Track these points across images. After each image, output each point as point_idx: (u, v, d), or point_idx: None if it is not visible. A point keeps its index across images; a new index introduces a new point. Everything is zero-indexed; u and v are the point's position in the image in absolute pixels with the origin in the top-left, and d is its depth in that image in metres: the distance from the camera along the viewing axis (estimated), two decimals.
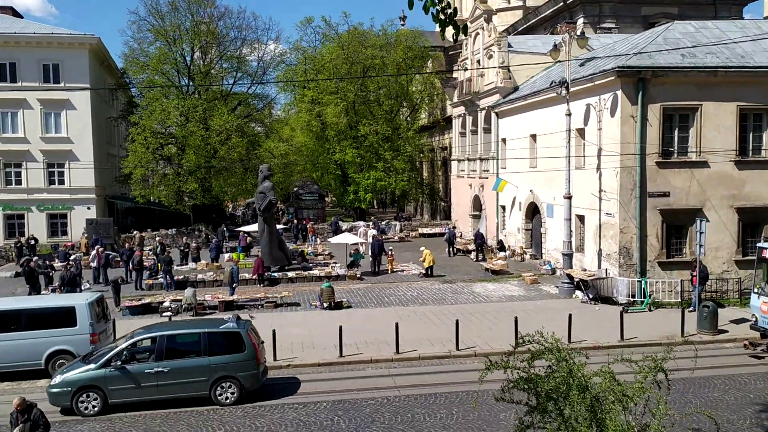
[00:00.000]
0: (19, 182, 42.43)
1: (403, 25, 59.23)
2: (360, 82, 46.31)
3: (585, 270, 25.26)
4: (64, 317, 17.38)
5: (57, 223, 43.25)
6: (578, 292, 24.05)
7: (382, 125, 45.85)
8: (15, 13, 48.57)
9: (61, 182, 42.99)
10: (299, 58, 50.89)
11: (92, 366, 14.71)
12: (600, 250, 24.60)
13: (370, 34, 48.65)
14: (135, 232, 40.20)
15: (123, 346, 14.94)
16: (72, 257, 32.33)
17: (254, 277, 27.97)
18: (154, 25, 45.34)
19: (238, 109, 48.88)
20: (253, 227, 34.71)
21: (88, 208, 42.97)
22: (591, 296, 23.17)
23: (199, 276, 28.77)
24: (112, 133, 50.99)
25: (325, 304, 23.23)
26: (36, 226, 42.14)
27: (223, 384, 14.75)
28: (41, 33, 43.33)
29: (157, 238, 36.53)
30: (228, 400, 14.73)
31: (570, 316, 18.60)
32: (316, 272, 29.43)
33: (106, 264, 30.08)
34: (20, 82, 41.61)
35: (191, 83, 46.50)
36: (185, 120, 43.58)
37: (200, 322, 16.46)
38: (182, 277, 28.38)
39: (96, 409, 14.43)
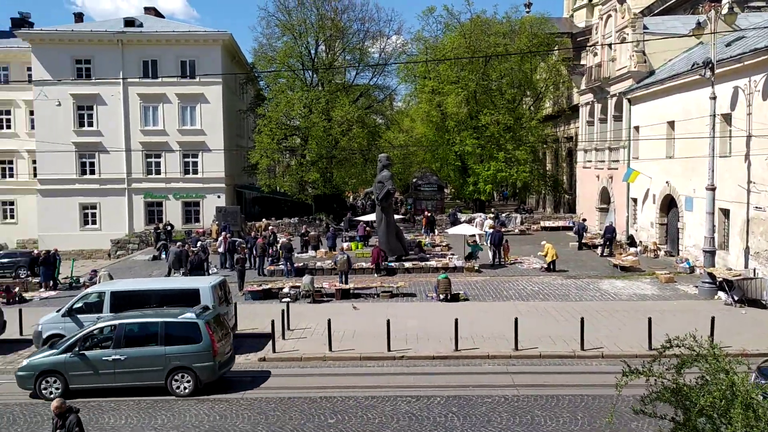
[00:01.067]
0: (158, 172, 45.18)
1: (528, 11, 57.18)
2: (482, 71, 45.15)
3: (730, 269, 22.94)
4: (189, 299, 17.98)
5: (191, 211, 45.70)
6: (721, 293, 21.85)
7: (503, 115, 44.43)
8: (157, 14, 51.82)
9: (195, 172, 45.33)
10: (420, 48, 50.50)
11: (54, 351, 15.02)
12: (747, 247, 22.24)
13: (493, 21, 47.27)
14: (263, 220, 41.65)
15: (82, 333, 15.15)
16: (199, 242, 33.90)
17: (371, 266, 27.92)
18: (281, 20, 46.68)
19: (360, 101, 49.34)
20: (371, 217, 34.77)
21: (219, 197, 45.04)
22: (736, 298, 20.96)
23: (318, 263, 29.16)
24: (241, 125, 53.23)
25: (442, 296, 22.67)
26: (172, 213, 44.76)
27: (178, 375, 14.64)
28: (179, 31, 45.91)
29: (270, 227, 37.41)
30: (183, 391, 14.60)
31: (713, 319, 16.83)
32: (433, 263, 28.93)
33: (232, 250, 31.22)
34: (161, 77, 44.23)
35: (315, 76, 47.49)
36: (308, 111, 44.55)
37: (163, 312, 15.88)
38: (302, 264, 28.89)
39: (57, 393, 14.40)
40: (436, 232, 39.46)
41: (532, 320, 19.38)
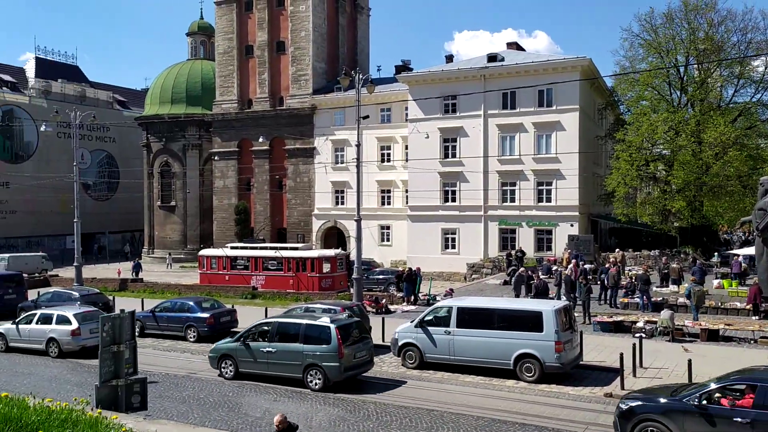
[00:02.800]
0: (513, 200, 46.19)
1: None
2: None
3: None
4: (532, 322, 17.56)
5: (543, 239, 45.53)
6: None
7: None
8: (519, 48, 53.62)
9: (548, 200, 45.10)
10: None
11: (231, 339, 18.70)
12: None
13: None
14: (617, 250, 39.30)
15: (251, 326, 18.54)
16: (554, 268, 33.39)
17: (748, 307, 23.79)
18: (646, 39, 43.90)
19: (738, 120, 43.33)
20: (750, 250, 29.84)
21: (572, 225, 43.96)
22: None
23: (680, 299, 26.00)
24: (598, 153, 51.41)
25: None
26: (525, 240, 45.20)
27: (312, 371, 16.80)
28: (538, 61, 46.62)
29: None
30: (315, 386, 16.67)
31: None
32: None
33: (583, 278, 30.03)
34: (518, 108, 45.39)
35: (683, 95, 43.34)
36: (675, 134, 40.74)
37: (309, 315, 18.88)
38: (660, 298, 26.12)
39: (231, 374, 18.17)
40: None
41: None
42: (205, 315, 24.46)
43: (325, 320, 17.50)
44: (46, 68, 71.89)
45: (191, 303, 25.28)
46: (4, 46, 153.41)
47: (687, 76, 43.46)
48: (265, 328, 18.33)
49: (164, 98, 65.43)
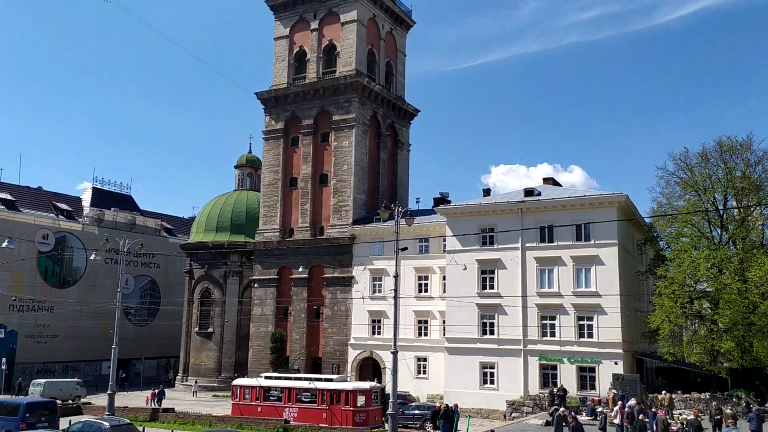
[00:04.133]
0: (552, 334, 45.15)
1: None
2: None
3: None
4: None
5: (586, 376, 43.87)
6: None
7: None
8: (555, 183, 54.71)
9: (590, 335, 43.93)
10: None
11: None
12: None
13: None
14: (663, 392, 37.52)
15: None
16: (599, 409, 31.95)
17: None
18: (682, 177, 44.35)
19: None
20: None
21: (615, 363, 42.40)
22: None
23: None
24: (639, 288, 50.53)
25: None
26: (566, 377, 43.61)
27: None
28: (575, 196, 47.30)
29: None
30: None
31: None
32: None
33: (631, 421, 28.72)
34: (556, 241, 45.54)
35: (724, 233, 43.01)
36: (718, 272, 40.01)
37: None
38: None
39: None
40: None
41: None
42: None
43: None
44: (101, 197, 75.80)
45: None
46: (64, 176, 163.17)
47: (726, 214, 43.30)
48: None
49: (210, 226, 67.79)
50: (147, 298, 76.35)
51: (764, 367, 42.04)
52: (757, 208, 43.35)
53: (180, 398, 55.59)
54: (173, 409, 43.52)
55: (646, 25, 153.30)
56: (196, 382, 62.29)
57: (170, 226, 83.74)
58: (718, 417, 29.94)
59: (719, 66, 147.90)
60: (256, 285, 61.58)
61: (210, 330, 65.36)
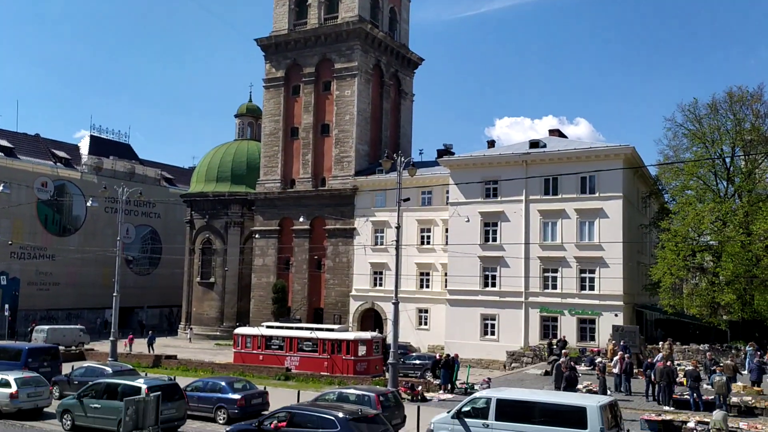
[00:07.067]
0: (554, 287, 45.14)
1: None
2: None
3: None
4: (576, 418, 16.63)
5: (585, 328, 44.04)
6: None
7: None
8: (561, 135, 53.93)
9: (591, 288, 43.91)
10: None
11: None
12: None
13: None
14: (661, 343, 37.66)
15: None
16: (598, 360, 32.10)
17: None
18: (690, 129, 43.66)
19: None
20: None
21: (616, 315, 42.51)
22: None
23: (733, 399, 24.46)
24: (642, 241, 50.32)
25: None
26: (567, 328, 43.77)
27: None
28: (581, 148, 46.63)
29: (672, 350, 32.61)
30: None
31: None
32: None
33: (629, 372, 28.87)
34: (560, 194, 45.10)
35: (730, 186, 42.55)
36: (722, 225, 39.73)
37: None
38: (712, 397, 24.63)
39: None
40: None
41: None
42: (237, 396, 23.95)
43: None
44: (99, 146, 75.00)
45: (223, 383, 24.84)
46: (61, 124, 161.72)
47: (733, 167, 42.82)
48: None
49: (210, 176, 67.29)
50: (148, 247, 76.43)
51: (764, 319, 42.18)
52: (765, 160, 42.80)
53: (183, 346, 56.07)
54: (176, 356, 43.91)
55: None
56: (191, 329, 63.10)
57: (170, 176, 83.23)
58: (713, 368, 30.09)
59: (730, 15, 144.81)
60: (257, 236, 61.45)
61: (211, 280, 65.58)
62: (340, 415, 16.69)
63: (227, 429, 18.16)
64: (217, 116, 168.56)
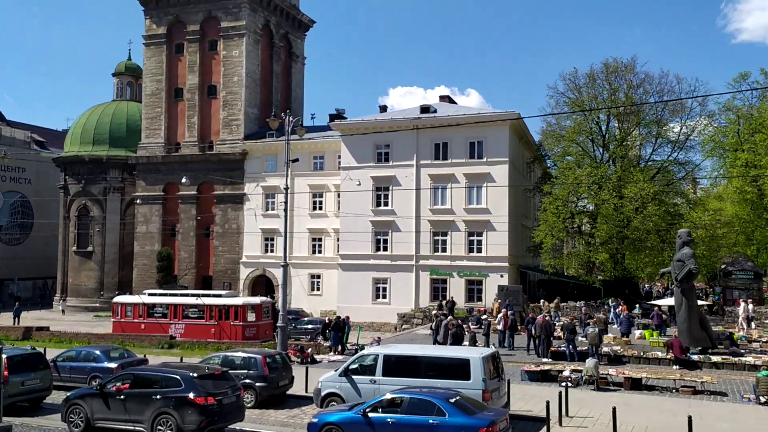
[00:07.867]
0: (444, 250, 46.22)
1: None
2: None
3: None
4: (460, 370, 16.99)
5: (473, 289, 45.53)
6: None
7: None
8: (451, 101, 54.77)
9: (479, 251, 45.33)
10: (731, 118, 44.78)
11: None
12: None
13: None
14: (542, 302, 39.63)
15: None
16: (483, 317, 33.23)
17: (668, 357, 24.05)
18: (570, 98, 45.57)
19: (657, 178, 45.15)
20: (668, 301, 30.57)
21: (501, 276, 44.19)
22: None
23: (605, 349, 26.09)
24: (527, 205, 52.43)
25: (763, 399, 18.17)
26: (456, 290, 45.06)
27: None
28: (469, 114, 47.55)
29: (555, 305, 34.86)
30: None
31: None
32: (749, 359, 23.86)
33: (512, 328, 30.11)
34: (450, 159, 45.92)
35: (605, 152, 45.00)
36: (598, 188, 42.04)
37: None
38: (586, 348, 26.14)
39: None
40: (753, 325, 33.21)
41: None
42: (113, 365, 22.67)
43: None
44: None
45: (98, 352, 23.48)
46: None
47: (608, 135, 45.19)
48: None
49: (86, 139, 63.10)
50: (18, 215, 70.90)
51: (633, 277, 45.32)
52: (636, 128, 45.51)
53: (58, 319, 52.83)
54: (48, 327, 41.19)
55: None
56: (64, 300, 59.74)
57: (42, 139, 77.30)
58: (588, 321, 32.00)
59: None
60: (139, 201, 58.51)
61: (89, 249, 61.99)
62: (184, 372, 16.32)
63: (68, 394, 17.05)
64: (93, 75, 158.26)
